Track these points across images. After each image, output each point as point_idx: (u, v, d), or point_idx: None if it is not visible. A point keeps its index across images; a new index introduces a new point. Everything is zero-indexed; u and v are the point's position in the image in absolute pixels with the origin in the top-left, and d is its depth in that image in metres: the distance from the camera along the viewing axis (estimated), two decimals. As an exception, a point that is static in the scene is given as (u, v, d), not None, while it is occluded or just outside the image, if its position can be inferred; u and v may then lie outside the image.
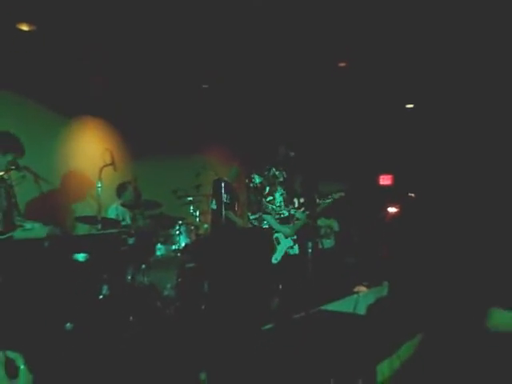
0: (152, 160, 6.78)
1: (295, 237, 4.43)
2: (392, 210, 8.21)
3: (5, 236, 3.40)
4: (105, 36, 5.26)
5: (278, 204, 4.46)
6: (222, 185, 5.55)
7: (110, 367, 3.03)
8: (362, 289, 4.95)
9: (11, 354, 1.17)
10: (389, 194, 9.09)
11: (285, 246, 4.39)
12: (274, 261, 4.33)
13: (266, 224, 4.41)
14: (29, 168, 3.89)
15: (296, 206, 4.68)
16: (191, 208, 5.65)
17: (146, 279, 4.45)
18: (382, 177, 10.04)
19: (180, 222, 5.22)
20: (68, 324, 3.60)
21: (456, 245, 5.69)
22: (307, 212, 4.53)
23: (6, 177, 3.79)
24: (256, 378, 2.83)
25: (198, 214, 5.68)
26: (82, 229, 5.39)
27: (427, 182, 8.71)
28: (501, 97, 7.30)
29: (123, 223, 5.32)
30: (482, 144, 8.13)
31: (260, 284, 4.12)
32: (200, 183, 5.78)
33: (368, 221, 7.77)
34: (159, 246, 5.10)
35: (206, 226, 5.82)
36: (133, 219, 5.58)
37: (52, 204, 5.15)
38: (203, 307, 4.37)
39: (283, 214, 4.54)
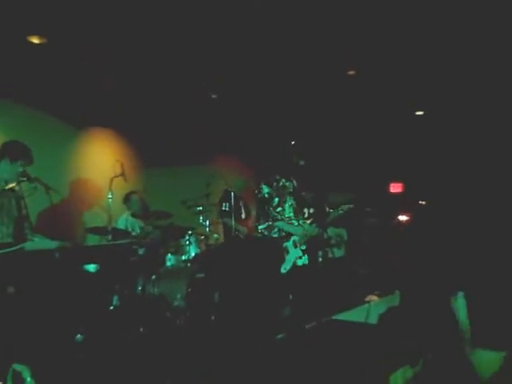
0: (162, 170, 6.82)
1: (304, 247, 4.40)
2: (403, 217, 8.15)
3: (16, 248, 3.42)
4: (115, 48, 5.32)
5: (287, 215, 4.43)
6: (232, 195, 5.58)
7: (120, 378, 3.02)
8: (374, 298, 4.90)
9: (18, 367, 1.17)
10: (399, 202, 9.04)
11: (294, 256, 4.35)
12: (282, 270, 4.29)
13: (275, 233, 4.38)
14: (39, 179, 3.89)
15: (306, 216, 4.65)
16: (201, 218, 5.67)
17: (156, 290, 4.46)
18: (392, 185, 9.98)
19: (190, 232, 5.24)
20: (79, 335, 3.61)
21: (468, 253, 5.62)
22: (315, 223, 4.50)
23: (16, 188, 3.81)
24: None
25: (207, 223, 5.69)
26: (93, 239, 5.41)
27: (438, 190, 8.65)
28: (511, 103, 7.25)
29: (133, 234, 5.35)
30: (492, 152, 8.06)
31: (270, 294, 4.09)
32: (210, 192, 5.81)
33: (379, 229, 7.70)
34: (169, 256, 5.11)
35: (215, 235, 5.83)
36: (143, 230, 5.60)
37: (62, 215, 5.19)
38: (213, 317, 4.35)
39: (293, 224, 4.51)
